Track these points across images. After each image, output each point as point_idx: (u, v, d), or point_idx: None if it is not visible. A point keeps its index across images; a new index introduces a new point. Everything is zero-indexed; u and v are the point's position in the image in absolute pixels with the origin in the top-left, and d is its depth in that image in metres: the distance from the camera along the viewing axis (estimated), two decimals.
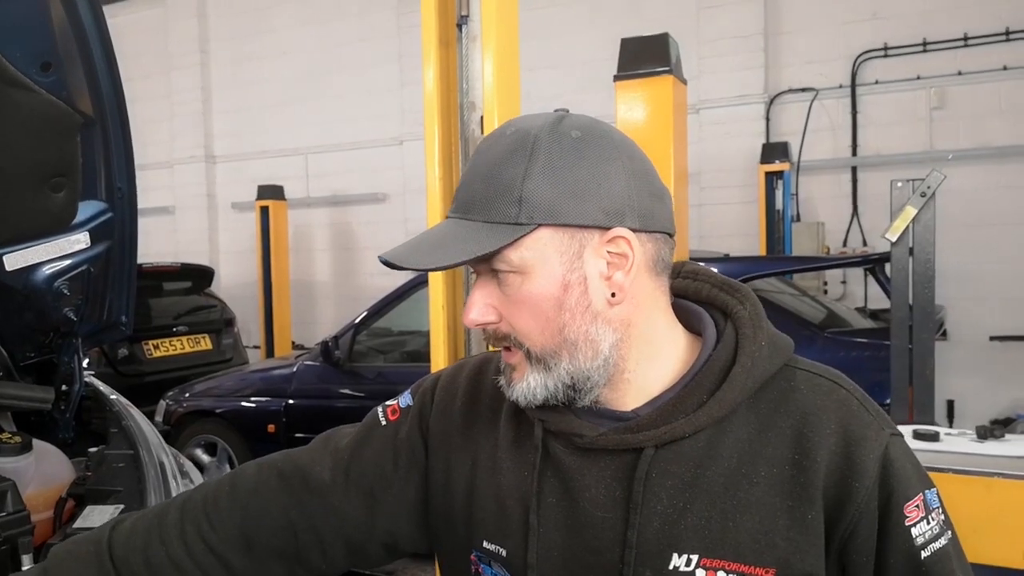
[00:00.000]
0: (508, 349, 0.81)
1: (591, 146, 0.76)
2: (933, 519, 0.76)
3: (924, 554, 0.74)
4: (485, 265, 0.78)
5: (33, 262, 1.62)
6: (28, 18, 1.33)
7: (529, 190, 0.74)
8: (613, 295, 0.78)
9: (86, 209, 1.63)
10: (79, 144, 1.54)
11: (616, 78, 2.99)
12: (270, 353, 7.16)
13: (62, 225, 1.62)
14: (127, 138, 1.60)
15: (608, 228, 0.76)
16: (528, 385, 0.79)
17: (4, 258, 1.58)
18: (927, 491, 0.77)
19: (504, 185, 0.75)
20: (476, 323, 0.80)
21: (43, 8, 1.35)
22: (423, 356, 4.25)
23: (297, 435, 4.41)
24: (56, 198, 1.57)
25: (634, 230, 0.77)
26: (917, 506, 0.75)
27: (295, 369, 4.64)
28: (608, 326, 0.78)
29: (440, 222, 0.81)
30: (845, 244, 6.13)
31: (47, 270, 1.64)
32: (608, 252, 0.77)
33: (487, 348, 2.35)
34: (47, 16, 1.36)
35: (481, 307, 0.79)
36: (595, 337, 0.78)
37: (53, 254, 1.62)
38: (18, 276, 1.62)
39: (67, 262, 1.65)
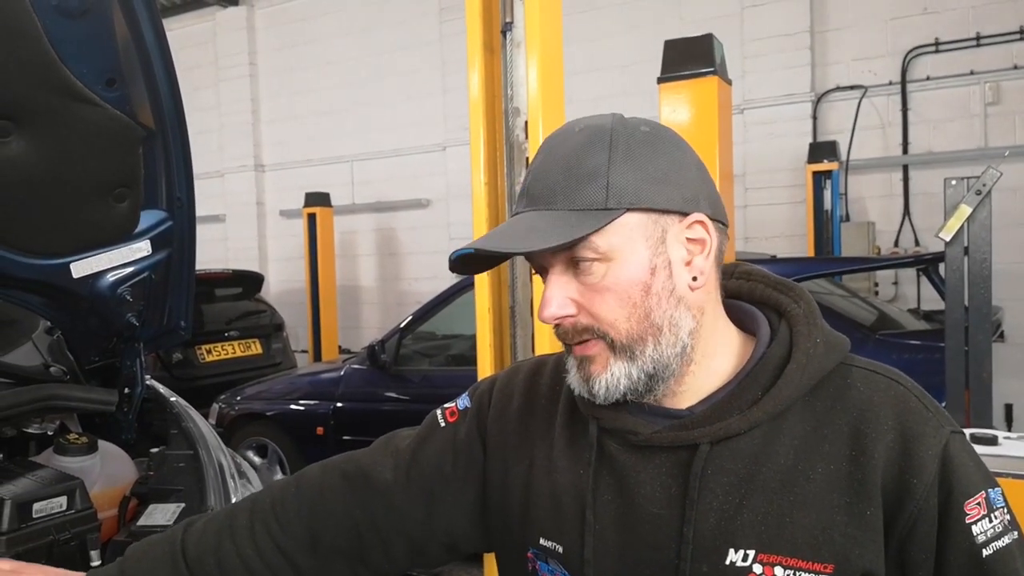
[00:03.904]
0: (583, 343, 0.80)
1: (661, 139, 0.80)
2: (996, 518, 0.74)
3: (986, 552, 0.73)
4: (564, 255, 0.78)
5: (98, 270, 1.67)
6: (95, 37, 1.38)
7: (615, 176, 0.76)
8: (694, 279, 0.79)
9: (147, 218, 1.68)
10: (141, 156, 1.59)
11: (660, 80, 2.98)
12: (318, 357, 7.27)
13: (125, 234, 1.66)
14: (186, 149, 1.65)
15: (687, 214, 0.78)
16: (613, 376, 0.79)
17: (71, 266, 1.64)
18: (990, 489, 0.76)
19: (589, 173, 0.76)
20: (556, 317, 0.79)
21: (109, 27, 1.40)
22: (467, 360, 4.28)
23: (345, 437, 4.48)
24: (119, 208, 1.62)
25: (707, 216, 0.79)
26: (978, 504, 0.74)
27: (343, 373, 4.71)
28: (688, 311, 0.79)
29: (515, 216, 0.80)
30: (896, 244, 5.99)
31: (111, 277, 1.70)
32: (687, 238, 0.79)
33: (531, 351, 2.35)
34: (112, 34, 1.42)
35: (560, 300, 0.79)
36: (678, 322, 0.79)
37: (117, 262, 1.68)
38: (84, 283, 1.68)
39: (130, 269, 1.70)
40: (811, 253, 5.83)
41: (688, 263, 0.79)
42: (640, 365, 0.78)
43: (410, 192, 8.02)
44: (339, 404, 4.57)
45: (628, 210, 0.75)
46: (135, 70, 1.50)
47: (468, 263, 0.82)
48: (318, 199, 7.32)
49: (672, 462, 0.80)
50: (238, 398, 4.96)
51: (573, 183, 0.76)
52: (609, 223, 0.75)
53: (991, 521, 0.74)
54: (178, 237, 1.75)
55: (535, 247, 0.74)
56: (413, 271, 8.16)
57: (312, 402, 4.71)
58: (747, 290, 0.89)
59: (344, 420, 4.53)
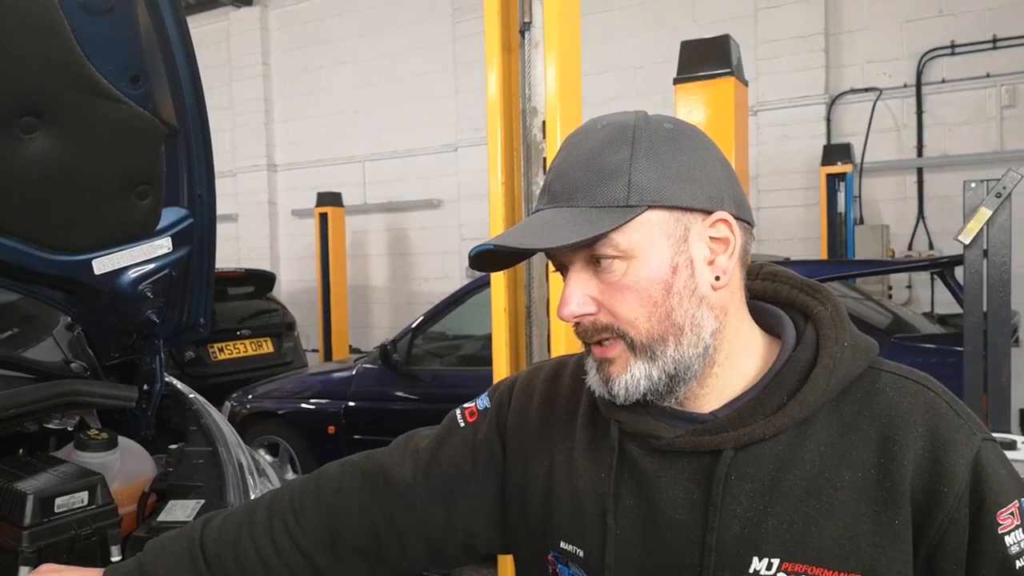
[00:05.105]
0: (600, 344, 0.79)
1: (685, 136, 0.78)
2: None
3: (1020, 563, 0.71)
4: (584, 253, 0.77)
5: (119, 266, 1.67)
6: (120, 34, 1.39)
7: (637, 172, 0.75)
8: (717, 279, 0.78)
9: (169, 215, 1.68)
10: (163, 153, 1.60)
11: (676, 81, 2.98)
12: (328, 356, 7.29)
13: (146, 231, 1.66)
14: (208, 147, 1.65)
15: (710, 212, 0.77)
16: (632, 376, 0.78)
17: (93, 262, 1.64)
18: (1023, 498, 0.74)
19: (610, 170, 0.75)
20: (575, 316, 0.78)
21: (133, 24, 1.41)
22: (479, 360, 4.29)
23: (356, 436, 4.49)
24: (141, 205, 1.63)
25: (732, 215, 0.78)
26: (1012, 513, 0.72)
27: (354, 372, 4.72)
28: (711, 311, 0.78)
29: (536, 213, 0.80)
30: (910, 247, 5.96)
31: (132, 274, 1.70)
32: (710, 237, 0.78)
33: (547, 352, 2.35)
34: (137, 31, 1.42)
35: (580, 298, 0.78)
36: (700, 322, 0.77)
37: (138, 259, 1.68)
38: (105, 280, 1.68)
39: (151, 266, 1.71)
40: (824, 256, 5.80)
41: (711, 262, 0.77)
42: (661, 366, 0.77)
43: (422, 192, 8.04)
44: (351, 403, 4.58)
45: (650, 207, 0.75)
46: (159, 67, 1.50)
47: (487, 260, 0.81)
48: (330, 199, 7.34)
49: (695, 467, 0.79)
50: (249, 396, 4.98)
51: (594, 180, 0.75)
52: (630, 220, 0.74)
53: None
54: (198, 235, 1.75)
55: (554, 244, 0.74)
56: (424, 271, 8.17)
57: (323, 401, 4.72)
58: (772, 291, 0.87)
59: (356, 419, 4.54)
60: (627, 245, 0.75)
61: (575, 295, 0.78)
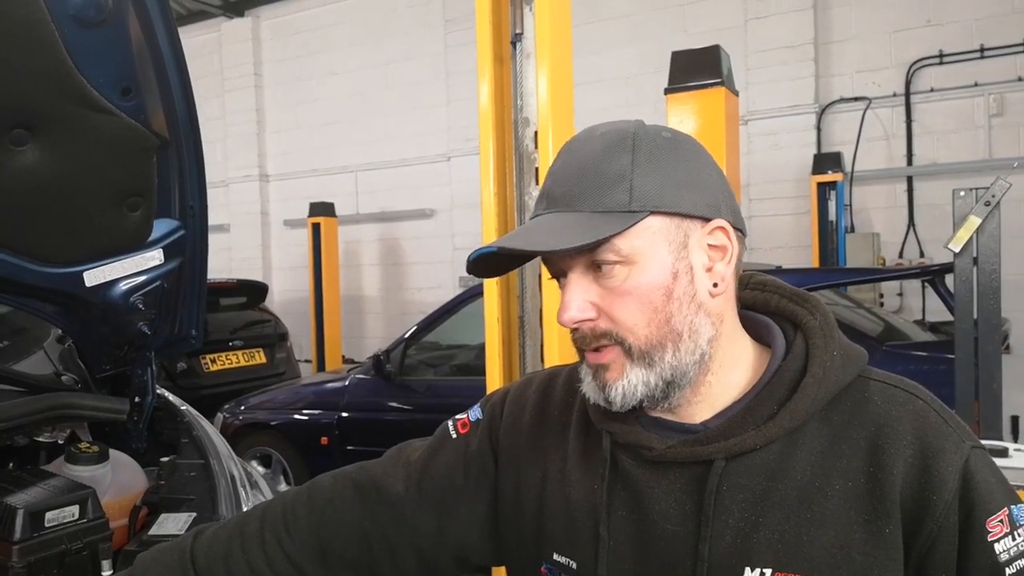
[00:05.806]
0: (598, 350, 0.79)
1: (682, 145, 0.79)
2: (1020, 535, 0.72)
3: (1009, 571, 0.71)
4: (584, 258, 0.77)
5: (111, 278, 1.67)
6: (112, 46, 1.39)
7: (639, 178, 0.75)
8: (715, 286, 0.78)
9: (160, 227, 1.68)
10: (155, 165, 1.60)
11: (667, 91, 3.00)
12: (321, 367, 7.27)
13: (138, 242, 1.67)
14: (199, 158, 1.66)
15: (709, 219, 0.77)
16: (629, 382, 0.78)
17: (84, 275, 1.64)
18: (1013, 506, 0.74)
19: (612, 176, 0.75)
20: (575, 321, 0.78)
21: (125, 36, 1.41)
22: (472, 370, 4.28)
23: (350, 447, 4.47)
24: (133, 217, 1.63)
25: (729, 223, 0.78)
26: (1001, 521, 0.72)
27: (347, 383, 4.70)
28: (708, 318, 0.78)
29: (536, 218, 0.80)
30: (901, 255, 5.99)
31: (123, 286, 1.70)
32: (708, 244, 0.78)
33: (540, 361, 2.35)
34: (128, 44, 1.42)
35: (580, 303, 0.77)
36: (698, 328, 0.77)
37: (129, 270, 1.68)
38: (97, 292, 1.68)
39: (142, 278, 1.70)
40: (816, 264, 5.83)
41: (709, 269, 0.78)
42: (659, 372, 0.77)
43: (414, 202, 8.04)
44: (344, 414, 4.57)
45: (652, 213, 0.75)
46: (150, 79, 1.51)
47: (484, 266, 0.81)
48: (322, 209, 7.34)
49: (687, 478, 0.79)
50: (242, 408, 4.95)
51: (596, 185, 0.75)
52: (632, 226, 0.74)
53: (1015, 539, 0.72)
54: (190, 246, 1.75)
55: (559, 247, 0.73)
56: (417, 281, 8.16)
57: (316, 412, 4.70)
58: (762, 301, 0.87)
59: (349, 430, 4.52)
60: (629, 250, 0.75)
61: (575, 300, 0.77)
